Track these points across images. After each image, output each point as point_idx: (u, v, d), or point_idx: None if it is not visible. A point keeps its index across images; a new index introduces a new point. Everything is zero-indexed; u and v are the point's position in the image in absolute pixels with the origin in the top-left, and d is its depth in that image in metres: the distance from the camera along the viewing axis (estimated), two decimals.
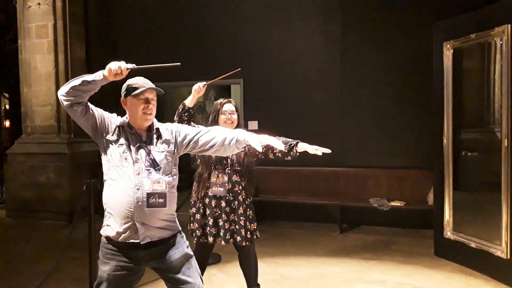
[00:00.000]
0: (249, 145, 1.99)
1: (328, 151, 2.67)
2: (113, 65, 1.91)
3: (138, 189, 1.98)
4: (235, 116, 3.01)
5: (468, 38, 3.96)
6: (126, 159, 2.01)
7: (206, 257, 3.11)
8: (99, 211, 2.40)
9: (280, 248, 4.69)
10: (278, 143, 1.99)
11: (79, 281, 3.65)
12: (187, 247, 2.15)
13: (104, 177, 2.07)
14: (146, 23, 6.63)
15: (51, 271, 3.59)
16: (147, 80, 2.08)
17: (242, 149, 2.10)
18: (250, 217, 3.03)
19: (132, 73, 2.01)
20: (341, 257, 4.37)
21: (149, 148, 2.05)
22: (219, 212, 2.97)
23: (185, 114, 2.91)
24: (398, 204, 5.18)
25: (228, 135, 2.04)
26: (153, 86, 2.07)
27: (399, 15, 5.46)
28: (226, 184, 2.96)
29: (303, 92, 5.90)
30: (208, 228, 2.96)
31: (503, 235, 3.60)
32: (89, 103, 2.04)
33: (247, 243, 2.99)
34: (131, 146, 2.03)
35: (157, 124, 2.12)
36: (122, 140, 2.04)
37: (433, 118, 4.43)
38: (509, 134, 3.55)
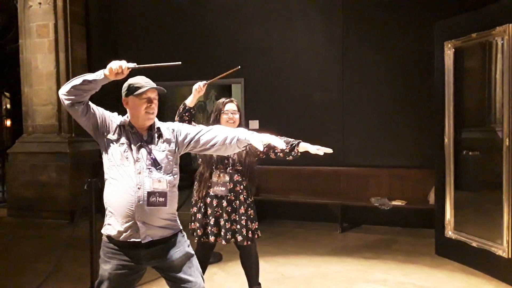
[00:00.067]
0: (250, 144, 1.99)
1: (329, 150, 2.67)
2: (114, 65, 1.92)
3: (139, 188, 1.98)
4: (237, 116, 3.00)
5: (469, 37, 3.95)
6: (127, 158, 2.01)
7: (207, 256, 3.11)
8: (100, 210, 2.40)
9: (281, 247, 4.69)
10: (279, 142, 1.99)
11: (80, 280, 3.65)
12: (188, 246, 2.15)
13: (105, 176, 2.07)
14: (147, 22, 6.64)
15: (52, 270, 3.60)
16: (148, 80, 2.07)
17: (243, 148, 2.10)
18: (251, 216, 3.03)
19: (133, 73, 2.01)
20: (342, 256, 4.37)
21: (150, 147, 2.05)
22: (220, 211, 2.97)
23: (186, 114, 2.91)
24: (399, 203, 5.18)
25: (229, 134, 2.04)
26: (155, 85, 2.07)
27: (400, 15, 5.45)
28: (228, 183, 2.96)
29: (304, 92, 5.90)
30: (209, 228, 2.96)
31: (505, 235, 3.59)
32: (90, 102, 2.04)
33: (248, 243, 2.99)
34: (132, 145, 2.03)
35: (158, 123, 2.12)
36: (123, 139, 2.04)
37: (434, 118, 4.42)
38: (511, 133, 3.54)
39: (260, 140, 1.96)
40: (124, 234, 2.00)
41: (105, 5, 6.92)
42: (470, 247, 3.95)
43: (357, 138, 5.65)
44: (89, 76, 1.94)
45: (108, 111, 2.12)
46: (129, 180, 1.99)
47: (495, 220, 3.72)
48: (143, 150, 2.03)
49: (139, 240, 2.00)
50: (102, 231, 2.09)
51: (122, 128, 2.07)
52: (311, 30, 5.86)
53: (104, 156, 2.07)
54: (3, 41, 8.88)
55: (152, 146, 2.06)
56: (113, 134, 2.05)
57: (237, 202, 2.98)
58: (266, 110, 5.97)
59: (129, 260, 2.04)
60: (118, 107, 2.20)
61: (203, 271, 2.62)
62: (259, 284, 3.17)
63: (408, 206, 5.17)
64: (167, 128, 2.14)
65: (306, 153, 2.87)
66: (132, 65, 1.95)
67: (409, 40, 5.39)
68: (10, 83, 9.92)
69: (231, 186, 2.97)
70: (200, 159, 3.07)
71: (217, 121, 2.98)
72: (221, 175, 2.97)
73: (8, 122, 12.02)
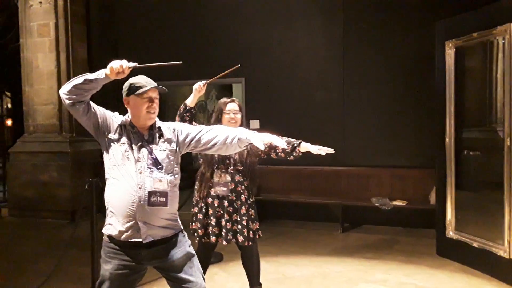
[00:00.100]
0: (251, 143, 1.99)
1: (331, 151, 2.68)
2: (115, 64, 1.92)
3: (140, 188, 1.98)
4: (239, 116, 3.00)
5: (470, 37, 3.94)
6: (128, 158, 2.01)
7: (208, 256, 3.11)
8: (101, 210, 2.40)
9: (281, 247, 4.69)
10: (280, 141, 1.99)
11: (81, 280, 3.65)
12: (189, 246, 2.15)
13: (106, 176, 2.07)
14: (148, 22, 6.64)
15: (53, 270, 3.60)
16: (149, 79, 2.07)
17: (244, 148, 2.10)
18: (252, 216, 3.02)
19: (133, 72, 2.01)
20: (343, 257, 4.37)
21: (151, 147, 2.05)
22: (221, 211, 2.96)
23: (187, 114, 2.90)
24: (400, 203, 5.17)
25: (230, 134, 2.03)
26: (156, 85, 2.06)
27: (401, 15, 5.44)
28: (229, 183, 2.95)
29: (304, 91, 5.89)
30: (210, 228, 2.96)
31: (506, 235, 3.59)
32: (91, 102, 2.04)
33: (250, 243, 2.98)
34: (133, 145, 2.03)
35: (158, 123, 2.12)
36: (124, 139, 2.04)
37: (435, 117, 4.42)
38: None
39: (261, 139, 1.96)
40: (125, 234, 2.00)
41: (105, 4, 6.92)
42: (471, 248, 3.95)
43: (357, 138, 5.65)
44: (90, 76, 1.94)
45: (109, 111, 2.12)
46: (130, 180, 1.99)
47: (496, 220, 3.72)
48: (144, 150, 2.03)
49: (140, 240, 2.00)
50: (103, 231, 2.09)
51: (123, 128, 2.07)
52: (311, 30, 5.86)
53: (105, 155, 2.07)
54: (3, 40, 8.89)
55: (153, 146, 2.06)
56: (114, 134, 2.05)
57: (239, 202, 2.98)
58: (267, 110, 5.97)
59: (130, 260, 2.04)
60: (119, 107, 2.20)
61: (204, 271, 2.61)
62: (260, 284, 3.17)
63: (409, 206, 5.17)
64: (168, 127, 2.13)
65: (307, 153, 2.87)
66: (133, 64, 1.95)
67: (410, 40, 5.38)
68: (11, 82, 9.94)
69: (233, 186, 2.97)
70: (201, 159, 3.06)
71: (218, 120, 2.97)
72: (223, 175, 2.96)
73: (9, 122, 12.04)
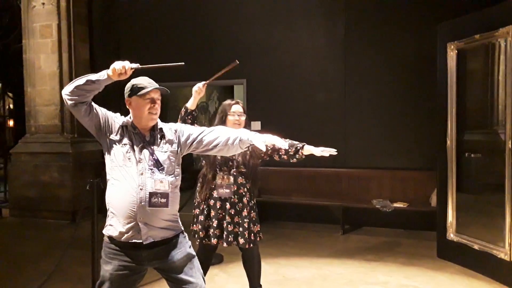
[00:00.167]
0: (253, 144, 2.00)
1: (334, 152, 2.71)
2: (117, 65, 1.92)
3: (141, 189, 1.98)
4: (243, 118, 2.99)
5: (472, 39, 3.94)
6: (129, 159, 2.01)
7: (209, 258, 3.10)
8: (102, 211, 2.40)
9: (282, 249, 4.69)
10: (281, 142, 2.00)
11: (82, 280, 3.65)
12: (190, 247, 2.15)
13: (107, 177, 2.07)
14: (150, 23, 6.65)
15: (54, 270, 3.61)
16: (151, 80, 2.08)
17: (246, 149, 2.10)
18: (254, 219, 3.02)
19: (136, 73, 2.01)
20: (343, 259, 4.37)
21: (152, 148, 2.05)
22: (223, 213, 2.96)
23: (188, 117, 2.90)
24: (401, 205, 5.17)
25: (232, 135, 2.04)
26: (158, 86, 2.07)
27: (403, 16, 5.45)
28: (232, 185, 2.95)
29: (305, 92, 5.90)
30: (212, 230, 2.95)
31: (507, 237, 3.58)
32: (93, 103, 2.04)
33: (251, 246, 2.98)
34: (135, 146, 2.04)
35: (160, 124, 2.12)
36: (125, 140, 2.04)
37: (437, 119, 4.41)
38: None
39: (263, 140, 1.96)
40: (126, 235, 2.00)
41: (107, 5, 6.94)
42: (471, 250, 3.94)
43: (358, 139, 5.65)
44: (92, 77, 1.95)
45: (111, 112, 2.12)
46: (131, 181, 1.99)
47: (497, 223, 3.71)
48: (145, 151, 2.03)
49: (141, 241, 2.00)
50: (104, 231, 2.09)
51: (125, 129, 2.07)
52: (313, 31, 5.86)
53: (107, 156, 2.07)
54: (6, 41, 8.91)
55: (155, 147, 2.06)
56: (116, 135, 2.06)
57: (240, 204, 2.97)
58: (268, 111, 5.97)
59: (131, 261, 2.04)
60: (121, 108, 2.20)
61: (205, 273, 2.61)
62: (261, 285, 3.17)
63: (410, 208, 5.16)
64: (169, 128, 2.14)
65: (309, 154, 2.88)
66: (135, 65, 1.96)
67: (412, 41, 5.38)
68: (13, 83, 9.96)
69: (235, 188, 2.96)
70: (203, 161, 3.06)
71: (222, 122, 2.95)
72: (225, 177, 2.95)
73: (11, 122, 12.05)
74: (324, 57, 5.83)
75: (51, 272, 3.61)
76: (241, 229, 2.95)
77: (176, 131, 2.13)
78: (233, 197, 2.95)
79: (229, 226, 2.94)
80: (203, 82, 2.90)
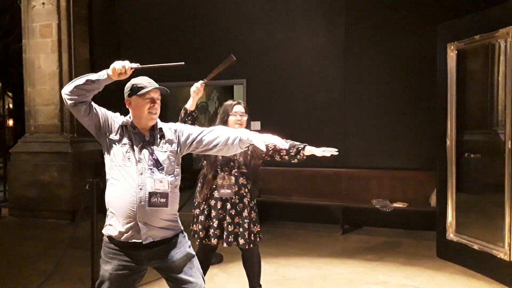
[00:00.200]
0: (253, 144, 2.00)
1: (335, 151, 2.72)
2: (117, 65, 1.92)
3: (141, 189, 1.98)
4: (245, 118, 2.99)
5: (472, 39, 3.95)
6: (129, 158, 2.01)
7: (208, 258, 3.10)
8: (102, 210, 2.40)
9: (282, 249, 4.69)
10: (281, 142, 2.00)
11: (81, 280, 3.65)
12: (189, 247, 2.15)
13: (107, 177, 2.07)
14: (150, 23, 6.65)
15: (54, 270, 3.61)
16: (151, 80, 2.08)
17: (246, 148, 2.10)
18: (254, 219, 3.02)
19: (136, 73, 2.01)
20: (343, 258, 4.37)
21: (152, 148, 2.05)
22: (223, 214, 2.95)
23: (188, 118, 2.90)
24: (401, 205, 5.17)
25: (232, 135, 2.04)
26: (158, 85, 2.07)
27: (403, 16, 5.45)
28: (233, 186, 2.94)
29: (305, 93, 5.90)
30: (212, 230, 2.94)
31: (506, 237, 3.58)
32: (92, 102, 2.04)
33: (250, 246, 2.98)
34: (134, 146, 2.03)
35: (160, 124, 2.12)
36: (125, 140, 2.04)
37: (436, 120, 4.42)
38: None
39: (263, 140, 1.96)
40: (125, 234, 2.00)
41: (107, 5, 6.94)
42: (471, 250, 3.95)
43: (358, 139, 5.65)
44: (92, 76, 1.95)
45: (110, 111, 2.12)
46: (130, 181, 1.99)
47: (497, 223, 3.72)
48: (145, 151, 2.03)
49: (140, 241, 1.99)
50: (103, 231, 2.09)
51: (124, 129, 2.07)
52: (313, 31, 5.87)
53: (106, 156, 2.07)
54: (6, 41, 8.91)
55: (154, 147, 2.06)
56: (115, 135, 2.05)
57: (241, 205, 2.97)
58: (268, 111, 5.97)
59: (130, 260, 2.04)
60: (121, 108, 2.20)
61: (204, 272, 2.61)
62: (260, 285, 3.17)
63: (410, 208, 5.16)
64: (169, 128, 2.14)
65: (310, 155, 2.89)
66: (135, 65, 1.96)
67: (412, 42, 5.39)
68: (13, 83, 9.96)
69: (236, 188, 2.96)
70: (205, 161, 3.05)
71: (224, 122, 2.94)
72: (227, 177, 2.95)
73: (10, 122, 12.04)
74: (324, 57, 5.83)
75: (50, 272, 3.60)
76: (241, 229, 2.95)
77: (175, 131, 2.13)
78: (234, 197, 2.95)
79: (229, 226, 2.93)
80: (201, 82, 2.89)
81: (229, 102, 3.05)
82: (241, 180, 2.98)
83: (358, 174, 5.61)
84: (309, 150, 2.86)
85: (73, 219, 5.95)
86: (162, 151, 2.06)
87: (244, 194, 2.98)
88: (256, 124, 5.87)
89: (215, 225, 2.94)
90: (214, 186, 2.96)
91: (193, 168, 7.33)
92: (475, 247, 3.91)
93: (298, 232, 5.43)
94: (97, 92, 2.02)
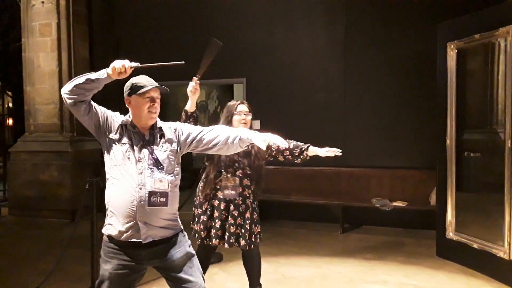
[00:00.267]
0: (253, 143, 2.00)
1: (339, 152, 2.73)
2: (117, 64, 1.92)
3: (140, 189, 1.98)
4: (249, 118, 2.99)
5: (472, 38, 3.94)
6: (129, 158, 2.01)
7: (208, 257, 3.10)
8: (102, 210, 2.40)
9: (282, 248, 4.69)
10: (282, 141, 2.00)
11: (81, 279, 3.65)
12: (189, 246, 2.15)
13: (107, 176, 2.07)
14: (150, 22, 6.64)
15: (53, 269, 3.61)
16: (151, 79, 2.08)
17: (246, 148, 2.10)
18: (255, 220, 3.02)
19: (135, 72, 2.01)
20: (343, 257, 4.37)
21: (152, 147, 2.05)
22: (226, 215, 2.94)
23: (190, 120, 2.89)
24: (401, 204, 5.17)
25: (232, 134, 2.04)
26: (158, 84, 2.07)
27: (403, 15, 5.45)
28: (238, 187, 2.94)
29: (306, 92, 5.90)
30: (214, 231, 2.93)
31: (506, 236, 3.59)
32: (92, 102, 2.04)
33: (251, 247, 2.97)
34: (134, 145, 2.03)
35: (160, 123, 2.12)
36: (125, 139, 2.04)
37: (436, 119, 4.42)
38: None
39: (263, 139, 1.96)
40: (125, 234, 2.00)
41: (108, 4, 6.93)
42: (471, 249, 3.95)
43: (358, 138, 5.65)
44: (92, 75, 1.95)
45: (110, 111, 2.12)
46: (130, 180, 1.99)
47: (496, 222, 3.72)
48: (145, 150, 2.03)
49: (140, 240, 1.99)
50: (103, 231, 2.09)
51: (124, 128, 2.07)
52: (313, 31, 5.86)
53: (106, 155, 2.06)
54: (6, 40, 8.91)
55: (154, 146, 2.05)
56: (115, 134, 2.05)
57: (244, 206, 2.97)
58: (268, 110, 5.96)
59: (130, 260, 2.04)
60: (121, 107, 2.20)
61: (204, 272, 2.61)
62: (260, 284, 3.17)
63: (409, 207, 5.17)
64: (169, 127, 2.13)
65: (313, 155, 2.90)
66: (135, 64, 1.96)
67: (412, 41, 5.38)
68: (12, 82, 9.95)
69: (240, 190, 2.95)
70: (208, 161, 3.03)
71: (228, 122, 2.94)
72: (231, 178, 2.94)
73: (10, 121, 12.04)
74: (324, 57, 5.83)
75: (50, 271, 3.60)
76: (243, 230, 2.94)
77: (175, 130, 2.13)
78: (237, 198, 2.95)
79: (231, 227, 2.93)
80: (194, 79, 2.89)
81: (233, 102, 3.05)
82: (245, 181, 2.97)
83: (358, 173, 5.61)
84: (313, 150, 2.87)
85: (72, 219, 5.95)
86: (162, 151, 2.06)
87: (248, 195, 2.98)
88: (256, 123, 5.86)
89: (217, 226, 2.93)
90: (218, 187, 2.95)
91: (193, 167, 7.33)
92: (475, 246, 3.91)
93: (298, 231, 5.43)
94: (97, 91, 2.01)
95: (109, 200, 2.05)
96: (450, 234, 4.19)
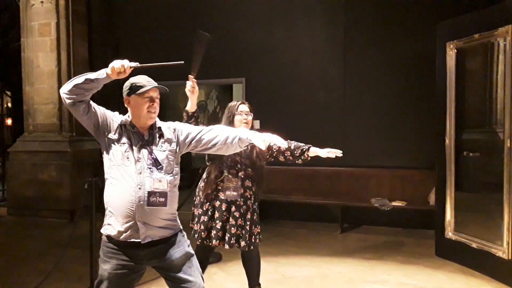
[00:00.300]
0: (252, 143, 1.99)
1: (340, 153, 2.73)
2: (116, 64, 1.92)
3: (140, 188, 1.98)
4: (250, 118, 3.00)
5: (471, 38, 3.95)
6: (128, 158, 2.01)
7: (207, 257, 3.09)
8: (101, 210, 2.40)
9: (281, 248, 4.69)
10: (281, 141, 2.00)
11: (80, 279, 3.65)
12: (188, 246, 2.15)
13: (106, 176, 2.06)
14: (149, 21, 6.64)
15: (53, 269, 3.60)
16: (150, 79, 2.07)
17: (245, 148, 2.10)
18: (256, 221, 3.02)
19: (135, 72, 2.01)
20: (342, 257, 4.37)
21: (151, 147, 2.05)
22: (227, 216, 2.94)
23: (191, 120, 2.89)
24: (400, 204, 5.18)
25: (231, 134, 2.04)
26: (157, 84, 2.06)
27: (402, 15, 5.45)
28: (240, 188, 2.93)
29: (305, 92, 5.90)
30: (214, 232, 2.93)
31: (505, 236, 3.59)
32: (91, 102, 2.03)
33: (251, 248, 2.97)
34: (133, 145, 2.03)
35: (159, 123, 2.12)
36: (124, 139, 2.04)
37: (436, 118, 4.42)
38: None
39: (262, 139, 1.96)
40: (124, 234, 2.00)
41: (107, 4, 6.92)
42: (470, 248, 3.95)
43: (358, 138, 5.65)
44: (91, 75, 1.94)
45: (109, 111, 2.11)
46: (129, 180, 1.98)
47: (495, 222, 3.72)
48: (144, 150, 2.03)
49: (139, 240, 1.99)
50: (102, 230, 2.08)
51: (123, 128, 2.07)
52: (313, 30, 5.86)
53: (105, 155, 2.06)
54: (5, 39, 8.89)
55: (153, 146, 2.05)
56: (114, 134, 2.05)
57: (245, 207, 2.96)
58: (267, 110, 5.96)
59: (129, 259, 2.03)
60: (120, 107, 2.20)
61: (203, 271, 2.60)
62: (259, 284, 3.17)
63: (409, 207, 5.17)
64: (168, 127, 2.13)
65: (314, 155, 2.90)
66: (134, 64, 1.95)
67: (411, 41, 5.39)
68: (11, 82, 9.93)
69: (242, 191, 2.95)
70: (210, 161, 3.03)
71: (230, 123, 2.94)
72: (234, 179, 2.94)
73: (9, 121, 12.02)
74: (323, 57, 5.83)
75: (49, 271, 3.59)
76: (243, 231, 2.94)
77: (175, 130, 2.13)
78: (239, 200, 2.94)
79: (232, 228, 2.92)
80: (190, 77, 2.88)
81: (234, 102, 3.06)
82: (247, 183, 2.97)
83: (358, 173, 5.62)
84: (314, 151, 2.88)
85: (72, 218, 5.94)
86: (161, 150, 2.06)
87: (249, 196, 2.98)
88: (256, 123, 5.85)
89: (218, 227, 2.93)
90: (220, 188, 2.95)
91: (192, 167, 7.33)
92: (474, 245, 3.91)
93: (298, 231, 5.43)
94: (96, 91, 2.01)
95: (108, 200, 2.05)
96: (449, 233, 4.19)
